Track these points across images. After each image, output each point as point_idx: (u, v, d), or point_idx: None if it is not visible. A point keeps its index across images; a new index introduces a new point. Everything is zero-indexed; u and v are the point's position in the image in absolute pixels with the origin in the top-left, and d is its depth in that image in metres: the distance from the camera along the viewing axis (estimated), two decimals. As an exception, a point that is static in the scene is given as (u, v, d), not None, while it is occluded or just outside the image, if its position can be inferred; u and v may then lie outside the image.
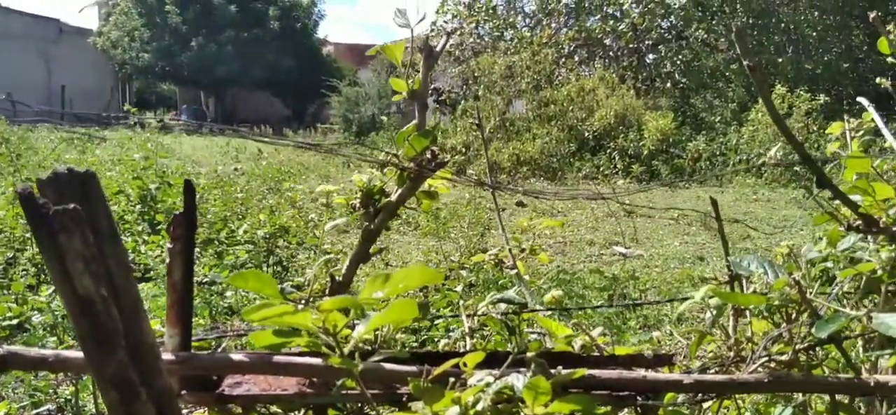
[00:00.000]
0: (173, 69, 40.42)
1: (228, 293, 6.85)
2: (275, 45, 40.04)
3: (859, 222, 1.36)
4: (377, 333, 1.41)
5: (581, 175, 18.89)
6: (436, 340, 5.57)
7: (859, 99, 2.08)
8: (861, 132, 1.81)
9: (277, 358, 1.27)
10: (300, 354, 1.34)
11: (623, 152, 19.53)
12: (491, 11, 28.42)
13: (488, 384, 1.13)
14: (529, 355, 1.17)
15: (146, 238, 8.73)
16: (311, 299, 1.43)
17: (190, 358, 1.28)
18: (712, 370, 1.55)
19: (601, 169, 19.11)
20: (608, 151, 19.84)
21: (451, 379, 1.22)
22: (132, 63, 40.99)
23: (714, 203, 1.78)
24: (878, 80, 1.82)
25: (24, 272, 7.24)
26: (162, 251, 8.15)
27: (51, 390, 4.56)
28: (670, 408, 1.44)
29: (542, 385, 1.08)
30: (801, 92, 19.04)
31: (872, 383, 1.41)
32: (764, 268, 1.54)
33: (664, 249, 10.73)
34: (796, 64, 23.69)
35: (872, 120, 1.85)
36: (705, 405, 1.62)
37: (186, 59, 39.59)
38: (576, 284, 8.14)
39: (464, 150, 20.62)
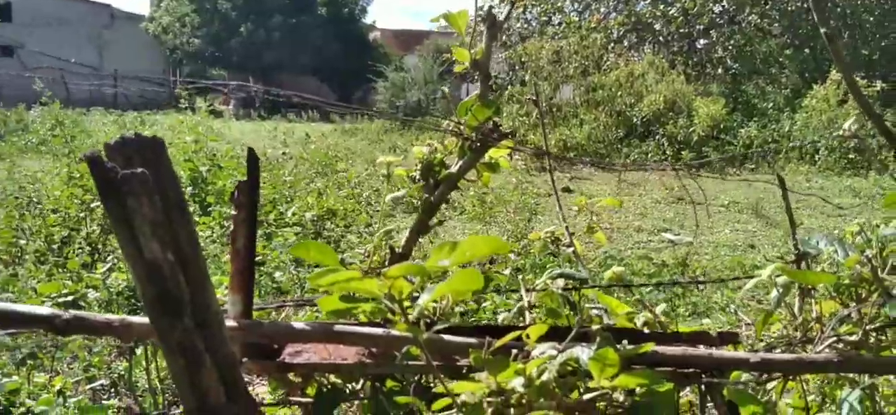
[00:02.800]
0: (223, 55, 41.03)
1: (278, 274, 6.92)
2: (322, 32, 40.36)
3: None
4: (436, 305, 1.39)
5: (629, 161, 18.67)
6: (483, 322, 5.56)
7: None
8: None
9: (339, 327, 1.27)
10: (360, 324, 1.34)
11: (672, 139, 19.24)
12: (539, -4, 28.21)
13: (553, 357, 1.11)
14: (594, 328, 1.15)
15: (197, 219, 8.86)
16: (371, 270, 1.42)
17: (253, 325, 1.28)
18: (778, 350, 1.51)
19: (650, 156, 18.86)
20: (657, 137, 19.57)
21: (513, 352, 1.21)
22: (183, 48, 41.71)
23: (781, 180, 1.73)
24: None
25: (80, 251, 7.40)
26: (212, 232, 8.28)
27: (105, 366, 4.65)
28: (734, 387, 1.41)
29: (610, 356, 1.06)
30: (857, 78, 18.55)
31: (949, 366, 1.37)
32: (834, 246, 1.50)
33: (714, 236, 10.57)
34: (852, 49, 23.10)
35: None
36: (769, 386, 1.58)
37: (235, 44, 40.17)
38: (624, 271, 8.04)
39: (511, 135, 20.50)
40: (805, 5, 23.93)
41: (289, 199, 10.41)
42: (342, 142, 22.51)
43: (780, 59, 24.27)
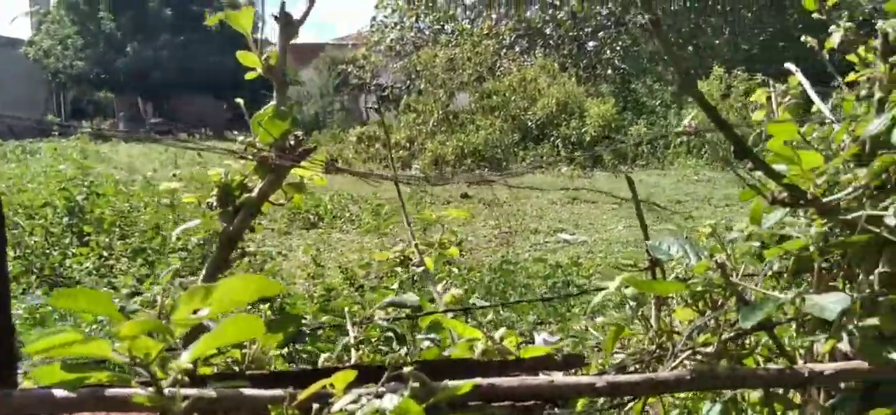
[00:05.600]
0: (109, 76, 39.46)
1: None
2: (213, 47, 39.31)
3: (784, 195, 1.21)
4: (245, 352, 1.21)
5: (525, 164, 18.85)
6: (372, 340, 5.38)
7: (787, 64, 1.95)
8: (788, 97, 1.67)
9: (112, 391, 1.06)
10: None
11: (566, 140, 19.55)
12: (431, 4, 28.24)
13: (353, 412, 0.94)
14: (407, 369, 0.99)
15: (74, 251, 8.38)
16: (163, 318, 1.22)
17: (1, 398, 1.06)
18: (632, 368, 1.38)
19: (545, 158, 19.09)
20: (551, 139, 19.84)
21: (315, 407, 1.03)
22: (66, 71, 39.94)
23: (630, 182, 1.62)
24: (804, 38, 1.68)
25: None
26: (91, 263, 7.89)
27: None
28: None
29: (411, 409, 0.90)
30: (739, 72, 19.26)
31: (806, 374, 1.27)
32: (684, 250, 1.38)
33: (608, 233, 10.70)
34: (733, 45, 24.00)
35: (799, 85, 1.71)
36: (628, 406, 1.46)
37: (122, 65, 38.70)
38: (519, 274, 8.01)
39: (408, 144, 20.49)
40: (686, 5, 24.76)
41: (174, 223, 9.97)
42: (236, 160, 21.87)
43: (666, 58, 24.99)
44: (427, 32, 28.23)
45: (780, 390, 1.50)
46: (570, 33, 26.53)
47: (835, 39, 1.49)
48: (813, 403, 1.52)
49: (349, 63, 29.02)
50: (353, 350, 1.39)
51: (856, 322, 1.42)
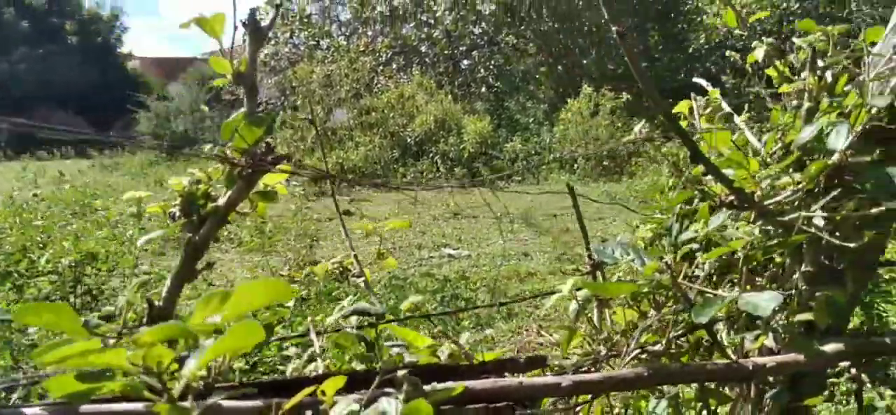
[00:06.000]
0: (-40, 91, 36.94)
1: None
2: (74, 61, 37.51)
3: (732, 198, 1.29)
4: (210, 365, 1.17)
5: (406, 180, 18.94)
6: (268, 361, 5.25)
7: (696, 79, 2.07)
8: (709, 109, 1.78)
9: (87, 408, 1.01)
10: (115, 398, 1.08)
11: (445, 156, 19.78)
12: (306, 20, 28.00)
13: (355, 413, 0.94)
14: (400, 373, 1.00)
15: (-69, 276, 7.79)
16: (127, 331, 1.17)
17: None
18: (584, 368, 1.44)
19: (425, 174, 19.24)
20: (430, 155, 20.03)
21: (308, 412, 1.02)
22: (-90, 86, 37.08)
23: (571, 191, 1.68)
24: (729, 53, 1.80)
25: None
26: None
27: None
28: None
29: (422, 409, 0.91)
30: (606, 91, 20.08)
31: (751, 367, 1.35)
32: (632, 255, 1.45)
33: (490, 247, 10.89)
34: (600, 65, 24.98)
35: (717, 98, 1.83)
36: (578, 407, 1.51)
37: (-26, 79, 36.30)
38: (409, 290, 8.05)
39: (286, 161, 20.18)
40: (555, 26, 25.59)
41: (42, 245, 9.43)
42: (102, 178, 20.98)
43: (537, 76, 25.76)
44: (302, 48, 27.96)
45: (713, 386, 1.59)
46: (445, 52, 26.93)
47: (758, 54, 1.61)
48: (744, 396, 1.63)
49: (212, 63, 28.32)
50: (318, 359, 1.38)
51: (781, 319, 1.53)
